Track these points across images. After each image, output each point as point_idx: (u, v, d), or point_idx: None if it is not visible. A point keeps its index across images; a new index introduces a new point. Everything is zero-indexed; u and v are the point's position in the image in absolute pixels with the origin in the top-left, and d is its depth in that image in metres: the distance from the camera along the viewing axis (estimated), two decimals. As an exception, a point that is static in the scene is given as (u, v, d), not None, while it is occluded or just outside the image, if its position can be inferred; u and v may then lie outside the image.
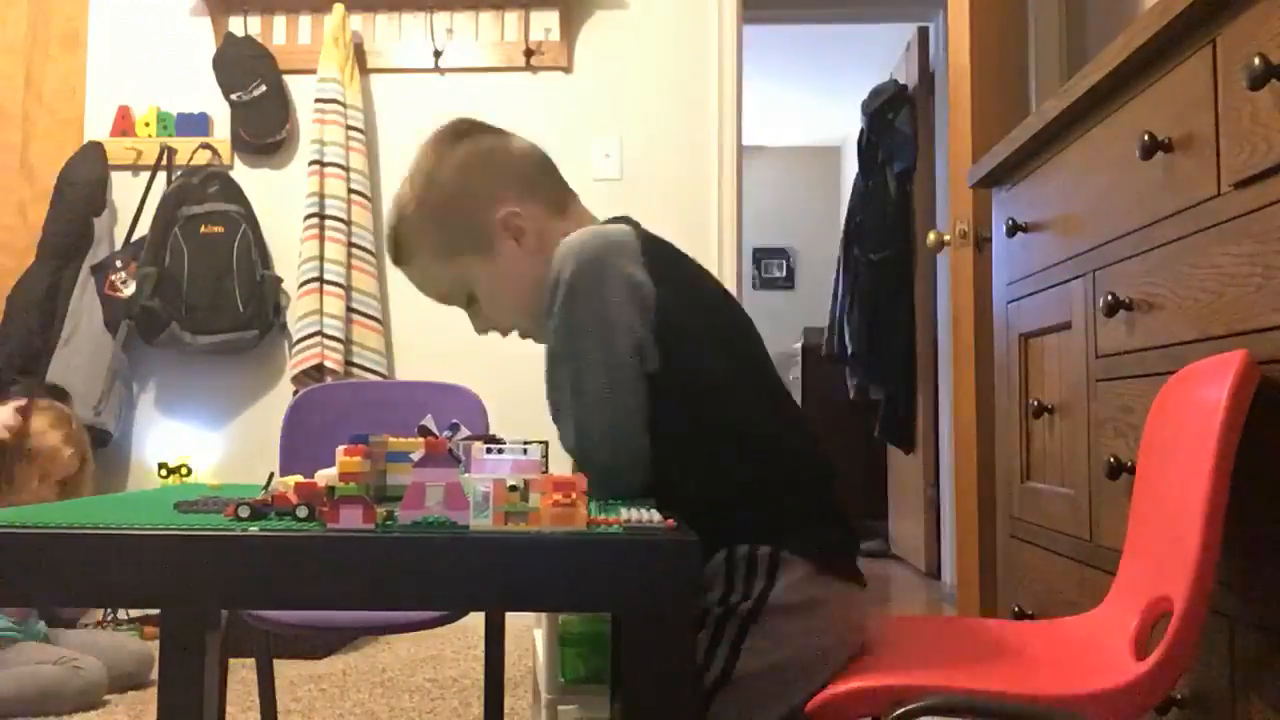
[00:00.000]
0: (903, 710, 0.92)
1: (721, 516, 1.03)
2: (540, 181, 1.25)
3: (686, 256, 1.22)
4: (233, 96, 3.30)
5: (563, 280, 1.08)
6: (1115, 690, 0.94)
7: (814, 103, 6.43)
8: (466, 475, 0.81)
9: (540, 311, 1.15)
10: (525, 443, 0.84)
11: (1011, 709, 0.94)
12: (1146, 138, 1.24)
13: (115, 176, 3.35)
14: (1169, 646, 0.94)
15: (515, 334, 1.29)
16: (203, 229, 3.18)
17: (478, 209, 1.19)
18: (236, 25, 3.37)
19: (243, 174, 3.35)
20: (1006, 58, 2.55)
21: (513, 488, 0.78)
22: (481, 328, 1.27)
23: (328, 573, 0.77)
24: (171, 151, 3.33)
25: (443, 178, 1.22)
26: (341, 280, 3.15)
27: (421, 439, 0.83)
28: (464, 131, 1.25)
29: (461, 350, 3.34)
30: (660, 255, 1.14)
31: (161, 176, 3.33)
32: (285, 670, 2.52)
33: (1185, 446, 1.06)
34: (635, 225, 1.19)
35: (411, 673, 2.59)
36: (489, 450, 0.80)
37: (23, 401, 2.54)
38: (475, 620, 1.94)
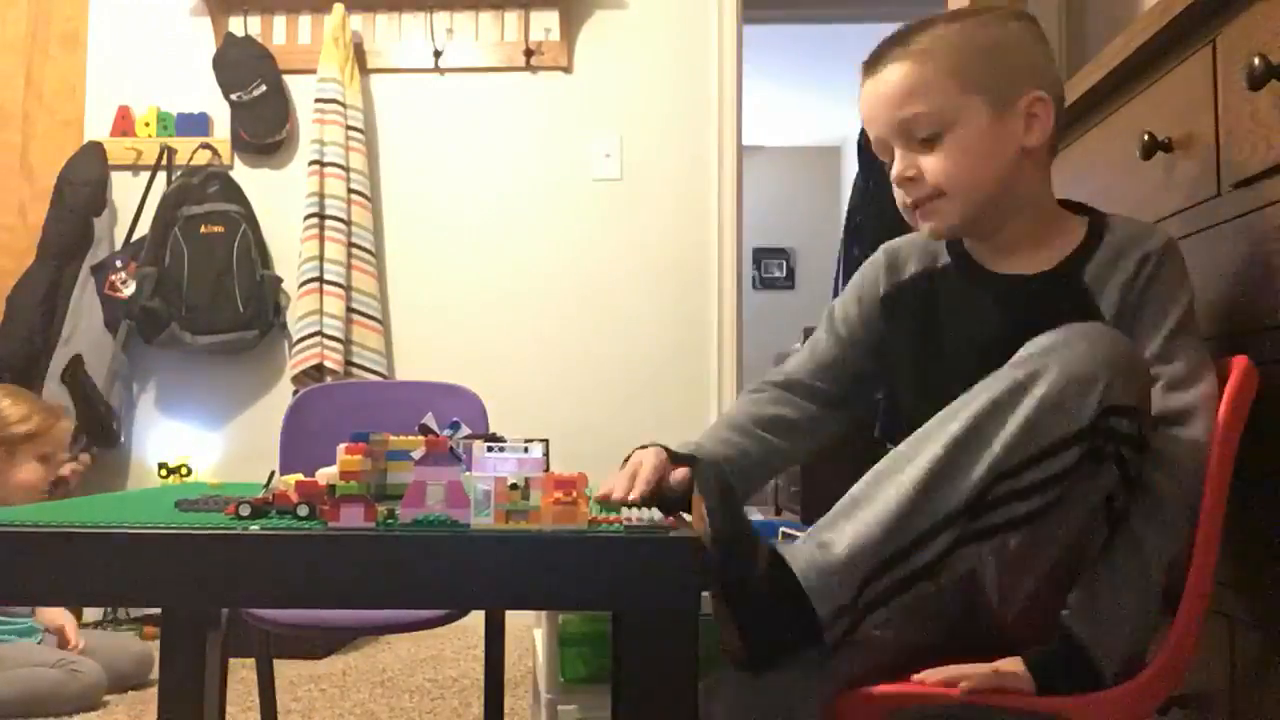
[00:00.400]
0: (900, 718, 0.92)
1: None
2: (1061, 117, 1.17)
3: None
4: (233, 96, 3.30)
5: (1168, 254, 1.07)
6: (1115, 694, 0.94)
7: (814, 103, 6.43)
8: (468, 473, 0.81)
9: (980, 206, 1.11)
10: (526, 441, 0.84)
11: (1009, 714, 0.94)
12: (1146, 138, 1.24)
13: (115, 176, 3.35)
14: (1168, 650, 0.94)
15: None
16: (203, 229, 3.18)
17: (1021, 72, 1.11)
18: (236, 25, 3.37)
19: (243, 174, 3.35)
20: (1006, 58, 2.55)
21: (514, 486, 0.78)
22: (904, 172, 1.13)
23: (328, 571, 0.77)
24: (171, 151, 3.33)
25: (1005, 29, 1.13)
26: (341, 280, 3.15)
27: (422, 437, 0.83)
28: (1034, 21, 1.18)
29: (461, 350, 3.36)
30: None
31: (161, 176, 3.33)
32: (285, 670, 2.52)
33: (1185, 446, 1.05)
34: None
35: (411, 673, 2.59)
36: (490, 448, 0.80)
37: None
38: (475, 620, 1.94)
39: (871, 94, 1.14)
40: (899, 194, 1.16)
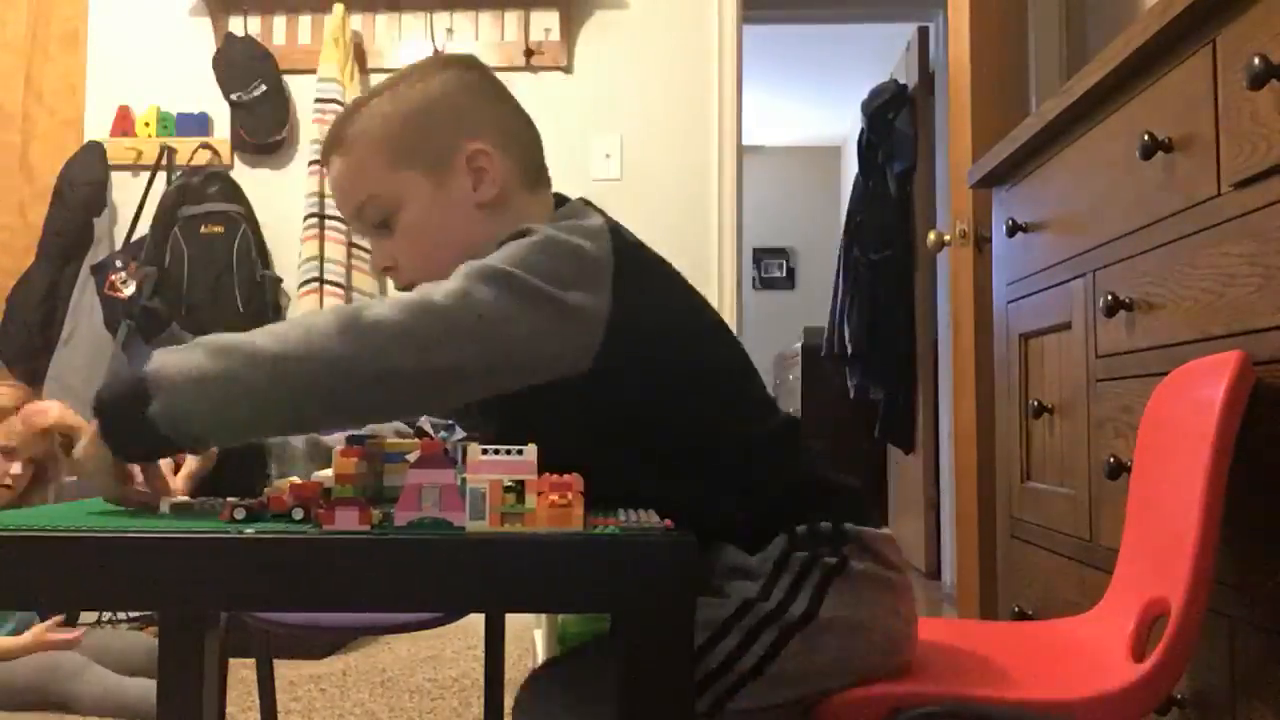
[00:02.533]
0: (901, 718, 0.92)
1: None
2: (524, 144, 1.13)
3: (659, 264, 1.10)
4: (233, 96, 3.30)
5: (533, 240, 0.96)
6: (1112, 694, 0.94)
7: (814, 103, 6.43)
8: (463, 476, 0.81)
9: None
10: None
11: (1011, 714, 0.94)
12: (1146, 138, 1.24)
13: (115, 176, 3.35)
14: (1167, 649, 0.94)
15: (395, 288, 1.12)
16: (203, 229, 3.18)
17: (449, 129, 1.08)
18: (236, 25, 3.37)
19: (243, 174, 3.35)
20: (1006, 58, 2.55)
21: (509, 488, 0.78)
22: (379, 263, 1.10)
23: (323, 575, 0.77)
24: (171, 151, 3.33)
25: (428, 86, 1.10)
26: (341, 280, 3.15)
27: (417, 440, 0.83)
28: (470, 65, 1.15)
29: (461, 350, 3.35)
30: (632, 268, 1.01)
31: (161, 176, 3.32)
32: (285, 670, 2.52)
33: (1181, 447, 1.05)
34: (613, 231, 1.06)
35: (411, 673, 2.59)
36: (485, 451, 0.80)
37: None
38: (475, 620, 1.94)
39: (331, 188, 1.13)
40: None
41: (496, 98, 1.13)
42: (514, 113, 1.14)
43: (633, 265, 0.99)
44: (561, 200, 1.17)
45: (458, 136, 1.07)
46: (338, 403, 0.87)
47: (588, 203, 1.13)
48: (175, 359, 0.89)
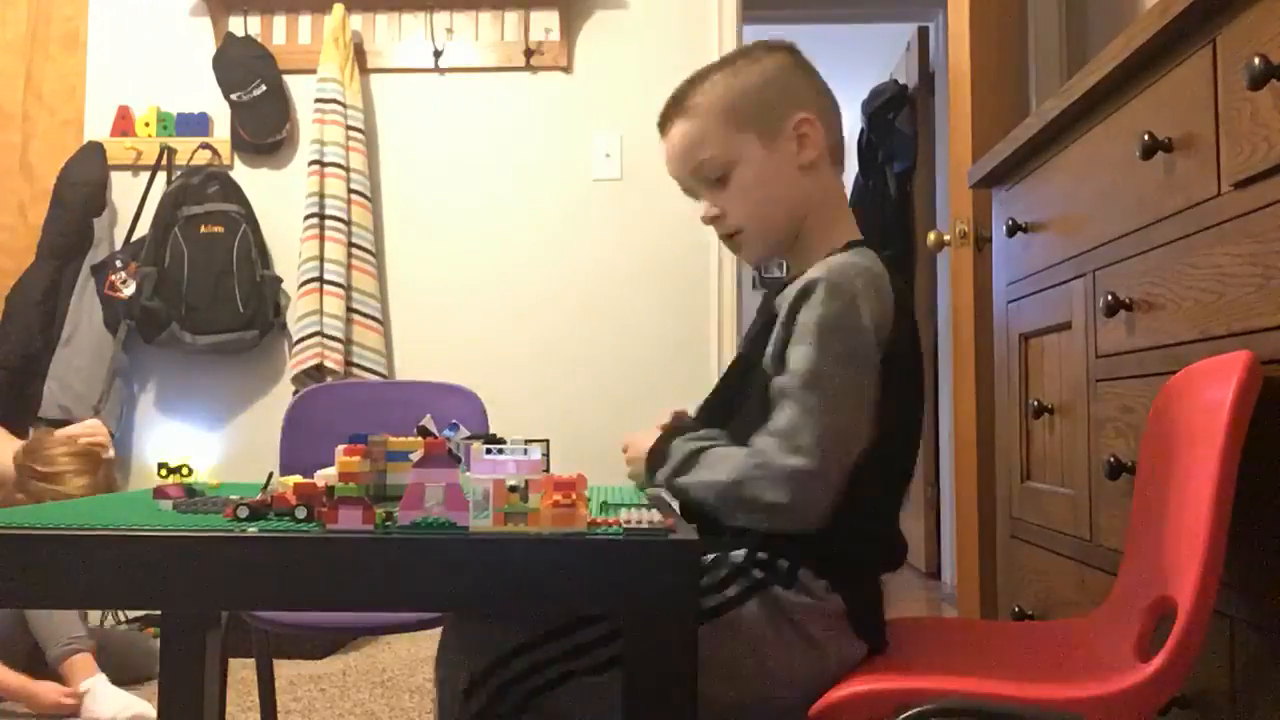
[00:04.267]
0: (906, 715, 0.92)
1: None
2: (833, 122, 1.30)
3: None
4: (233, 96, 3.30)
5: (835, 289, 1.14)
6: (1120, 693, 0.94)
7: (814, 103, 6.42)
8: (466, 475, 0.81)
9: (775, 229, 1.26)
10: (526, 442, 0.84)
11: (1016, 712, 0.94)
12: (1146, 138, 1.24)
13: (115, 176, 3.35)
14: (1174, 648, 0.94)
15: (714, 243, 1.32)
16: (203, 229, 3.18)
17: (781, 101, 1.25)
18: (236, 25, 3.37)
19: (243, 174, 3.35)
20: (1006, 58, 2.55)
21: (513, 488, 0.78)
22: (708, 213, 1.29)
23: (326, 573, 0.77)
24: (171, 151, 3.33)
25: (764, 65, 1.28)
26: (341, 280, 3.15)
27: (421, 439, 0.83)
28: (794, 50, 1.32)
29: (461, 350, 3.35)
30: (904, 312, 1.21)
31: (161, 176, 3.32)
32: (285, 670, 2.52)
33: (1189, 447, 1.05)
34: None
35: (411, 673, 2.59)
36: (489, 450, 0.80)
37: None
38: (475, 620, 1.94)
39: (668, 154, 1.31)
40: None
41: (817, 81, 1.31)
42: (827, 93, 1.31)
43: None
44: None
45: (788, 107, 1.25)
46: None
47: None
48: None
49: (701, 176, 1.27)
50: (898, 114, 4.55)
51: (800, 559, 1.11)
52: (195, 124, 3.37)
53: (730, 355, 3.26)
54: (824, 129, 1.26)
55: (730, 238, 1.29)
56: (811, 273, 1.17)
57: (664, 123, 1.31)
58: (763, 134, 1.25)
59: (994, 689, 0.97)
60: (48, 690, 2.29)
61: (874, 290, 1.15)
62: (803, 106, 1.26)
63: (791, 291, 1.17)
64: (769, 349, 1.17)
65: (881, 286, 1.17)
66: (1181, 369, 1.15)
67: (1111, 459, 1.31)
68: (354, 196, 3.22)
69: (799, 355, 1.12)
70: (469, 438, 0.84)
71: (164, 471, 1.03)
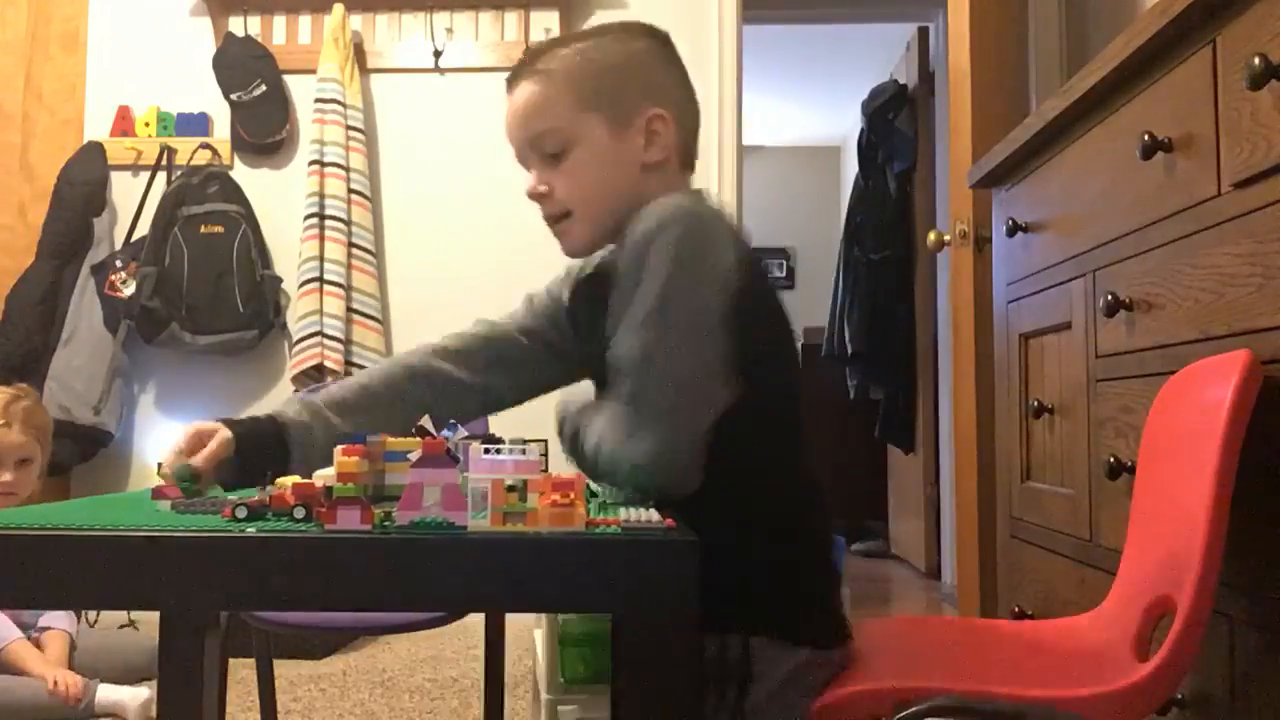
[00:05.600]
0: (905, 713, 0.92)
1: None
2: (690, 126, 1.22)
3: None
4: (233, 96, 3.30)
5: (669, 241, 1.02)
6: (1119, 692, 0.94)
7: (814, 103, 6.43)
8: (465, 475, 0.81)
9: (603, 221, 1.15)
10: (524, 442, 0.84)
11: (1015, 711, 0.94)
12: (1146, 138, 1.24)
13: (115, 176, 3.35)
14: (1172, 648, 0.94)
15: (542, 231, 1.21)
16: (203, 229, 3.18)
17: (639, 90, 1.17)
18: (236, 25, 3.37)
19: (243, 174, 3.35)
20: (1006, 58, 2.55)
21: (511, 488, 0.78)
22: (534, 189, 1.18)
23: (325, 574, 0.77)
24: (171, 151, 3.33)
25: (631, 47, 1.20)
26: (341, 280, 3.15)
27: (419, 439, 0.83)
28: (667, 42, 1.25)
29: (461, 350, 3.35)
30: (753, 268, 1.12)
31: (161, 176, 3.32)
32: (285, 670, 2.52)
33: (1188, 446, 1.05)
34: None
35: (411, 673, 2.59)
36: (487, 450, 0.80)
37: None
38: (475, 620, 1.94)
39: (509, 111, 1.19)
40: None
41: (682, 77, 1.23)
42: (690, 97, 1.23)
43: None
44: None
45: (644, 98, 1.16)
46: None
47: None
48: None
49: (538, 147, 1.17)
50: (898, 114, 4.55)
51: (739, 624, 1.01)
52: (195, 124, 3.37)
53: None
54: (677, 130, 1.18)
55: (555, 222, 1.18)
56: (641, 226, 1.05)
57: (513, 79, 1.19)
58: (611, 119, 1.15)
59: (993, 688, 0.97)
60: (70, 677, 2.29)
61: (712, 234, 1.06)
62: (660, 102, 1.17)
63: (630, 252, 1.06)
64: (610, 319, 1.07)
65: (718, 227, 1.07)
66: (1181, 369, 1.15)
67: (1111, 459, 1.31)
68: (354, 196, 3.22)
69: (633, 327, 1.01)
70: (466, 438, 0.84)
71: (186, 486, 1.02)
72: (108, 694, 2.28)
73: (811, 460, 1.15)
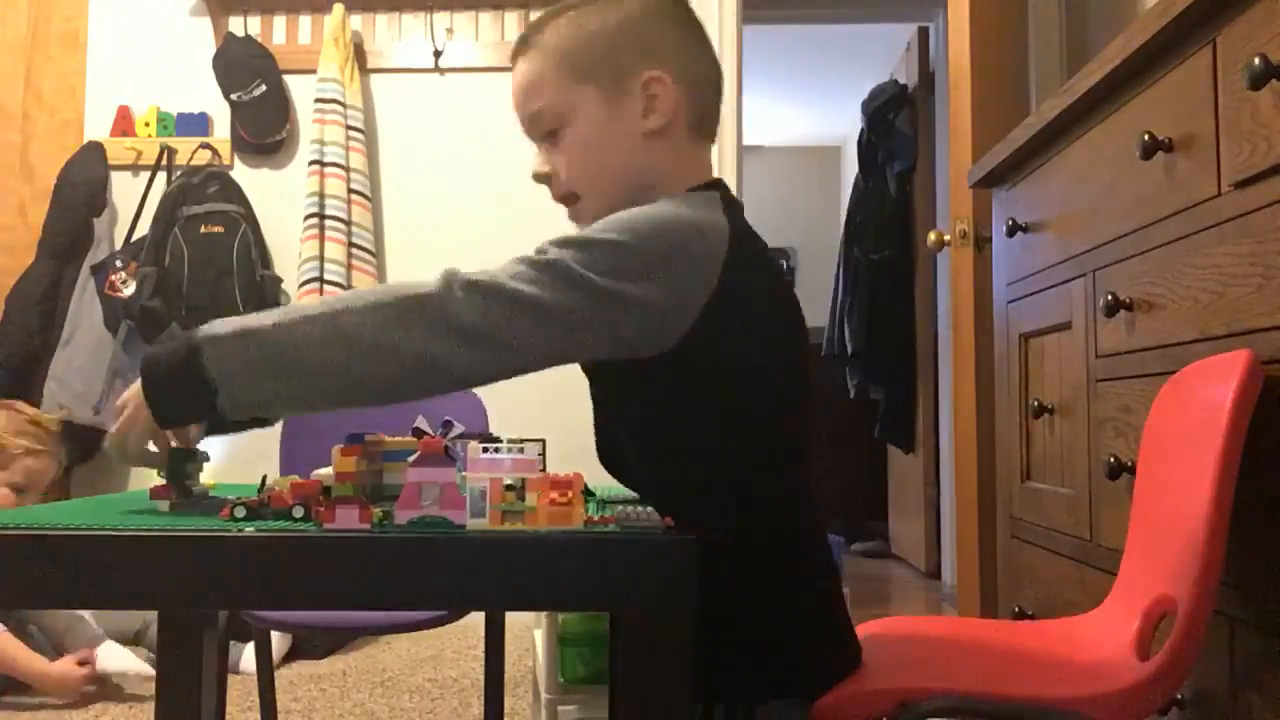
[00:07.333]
0: (906, 714, 0.92)
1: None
2: (701, 87, 1.10)
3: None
4: (233, 96, 3.30)
5: (652, 215, 0.96)
6: (1120, 692, 0.94)
7: (814, 103, 6.43)
8: (463, 474, 0.81)
9: (612, 200, 1.04)
10: (522, 441, 0.84)
11: (1016, 710, 0.94)
12: (1146, 138, 1.24)
13: (115, 176, 3.35)
14: (1173, 648, 0.94)
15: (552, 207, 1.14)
16: (203, 229, 3.18)
17: (633, 53, 1.06)
18: (236, 25, 3.37)
19: (243, 174, 3.35)
20: (1006, 58, 2.55)
21: (509, 487, 0.78)
22: (540, 170, 1.11)
23: (323, 573, 0.77)
24: (171, 151, 3.33)
25: (627, 8, 1.08)
26: (341, 280, 3.15)
27: (417, 439, 0.83)
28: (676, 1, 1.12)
29: (461, 350, 3.35)
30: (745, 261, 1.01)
31: (161, 176, 3.32)
32: (285, 670, 2.52)
33: (1189, 446, 1.05)
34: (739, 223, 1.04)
35: (411, 673, 2.59)
36: (485, 449, 0.80)
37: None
38: (475, 620, 1.94)
39: (511, 88, 1.12)
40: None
41: (689, 35, 1.11)
42: (701, 55, 1.11)
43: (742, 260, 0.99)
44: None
45: (639, 61, 1.06)
46: (385, 366, 0.86)
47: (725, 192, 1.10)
48: (224, 321, 0.89)
49: (536, 126, 1.09)
50: (898, 114, 4.55)
51: (740, 689, 0.95)
52: (195, 124, 3.37)
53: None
54: (683, 93, 1.07)
55: (566, 205, 1.11)
56: None
57: (514, 56, 1.12)
58: (604, 87, 1.06)
59: (994, 688, 0.97)
60: (63, 667, 2.30)
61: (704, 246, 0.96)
62: (658, 63, 1.06)
63: None
64: None
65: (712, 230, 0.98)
66: (1181, 369, 1.15)
67: (1111, 459, 1.31)
68: (354, 196, 3.22)
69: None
70: (460, 435, 0.84)
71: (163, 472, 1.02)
72: (108, 662, 2.33)
73: (811, 488, 1.07)
